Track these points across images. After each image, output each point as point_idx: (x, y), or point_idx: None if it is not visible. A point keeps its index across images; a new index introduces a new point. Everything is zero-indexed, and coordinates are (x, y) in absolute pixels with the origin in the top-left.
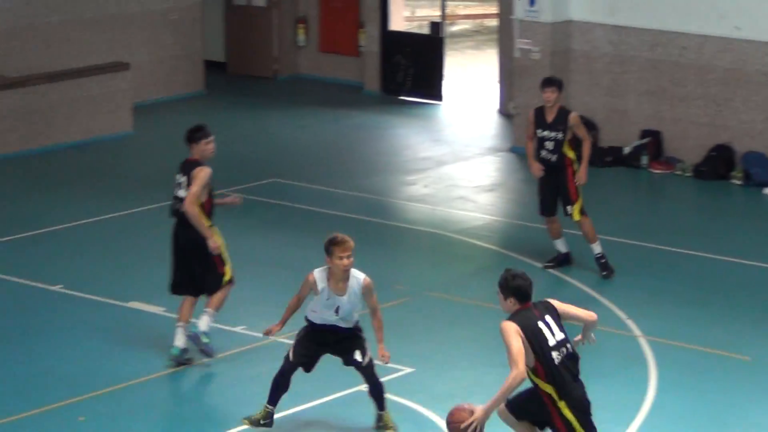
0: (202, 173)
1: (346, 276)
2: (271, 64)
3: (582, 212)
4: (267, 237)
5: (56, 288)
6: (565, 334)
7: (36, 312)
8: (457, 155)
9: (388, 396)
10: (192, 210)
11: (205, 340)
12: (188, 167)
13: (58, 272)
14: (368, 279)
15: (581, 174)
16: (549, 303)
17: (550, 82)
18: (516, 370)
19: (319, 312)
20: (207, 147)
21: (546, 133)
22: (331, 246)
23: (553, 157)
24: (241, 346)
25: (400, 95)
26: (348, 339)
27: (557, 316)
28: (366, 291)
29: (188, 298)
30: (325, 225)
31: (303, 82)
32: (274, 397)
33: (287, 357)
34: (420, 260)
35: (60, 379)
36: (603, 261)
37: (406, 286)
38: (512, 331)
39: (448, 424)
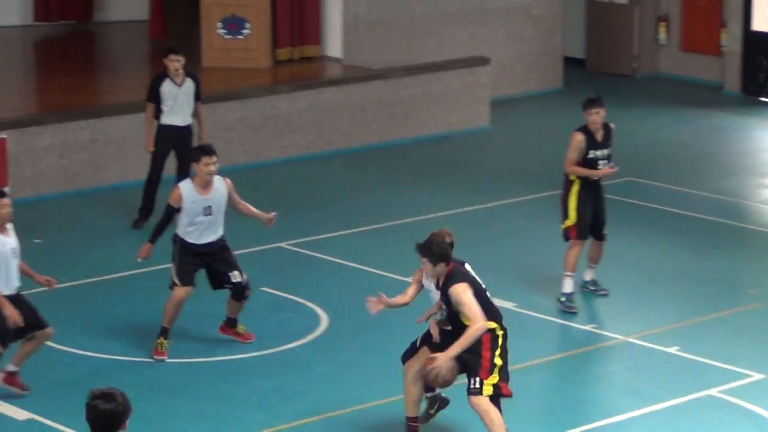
0: (574, 139)
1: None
2: (631, 61)
3: None
4: (619, 235)
5: (409, 279)
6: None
7: None
8: None
9: (736, 401)
10: (568, 169)
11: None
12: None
13: (410, 263)
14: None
15: None
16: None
17: None
18: (481, 323)
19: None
20: (590, 117)
21: None
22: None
23: None
24: (589, 345)
25: (760, 96)
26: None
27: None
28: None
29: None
30: (678, 226)
31: (662, 80)
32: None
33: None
34: None
35: None
36: None
37: (760, 291)
38: (467, 290)
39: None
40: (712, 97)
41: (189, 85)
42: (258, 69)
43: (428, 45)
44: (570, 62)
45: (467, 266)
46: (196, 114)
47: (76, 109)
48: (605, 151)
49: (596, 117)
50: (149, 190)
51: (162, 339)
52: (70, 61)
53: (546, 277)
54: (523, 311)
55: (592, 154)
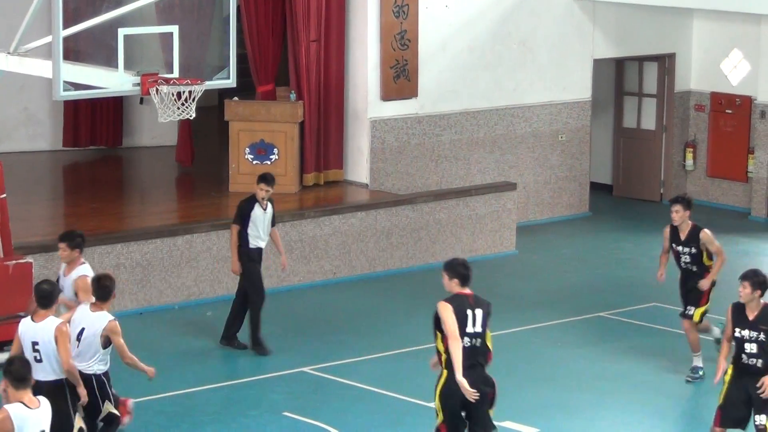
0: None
1: None
2: (658, 187)
3: None
4: (643, 362)
5: (432, 405)
6: (483, 330)
7: (412, 428)
8: None
9: None
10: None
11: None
12: None
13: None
14: None
15: None
16: (488, 302)
17: None
18: (456, 341)
19: None
20: (671, 214)
21: None
22: None
23: None
24: None
25: None
26: None
27: (487, 315)
28: None
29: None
30: (703, 353)
31: None
32: None
33: None
34: None
35: None
36: None
37: None
38: (448, 309)
39: None
40: (738, 223)
41: (270, 210)
42: (286, 194)
43: (455, 170)
44: (597, 188)
45: None
46: (272, 237)
47: (102, 233)
48: (686, 249)
49: (673, 214)
50: (253, 315)
51: None
52: (97, 186)
53: (569, 404)
54: None
55: (675, 247)
